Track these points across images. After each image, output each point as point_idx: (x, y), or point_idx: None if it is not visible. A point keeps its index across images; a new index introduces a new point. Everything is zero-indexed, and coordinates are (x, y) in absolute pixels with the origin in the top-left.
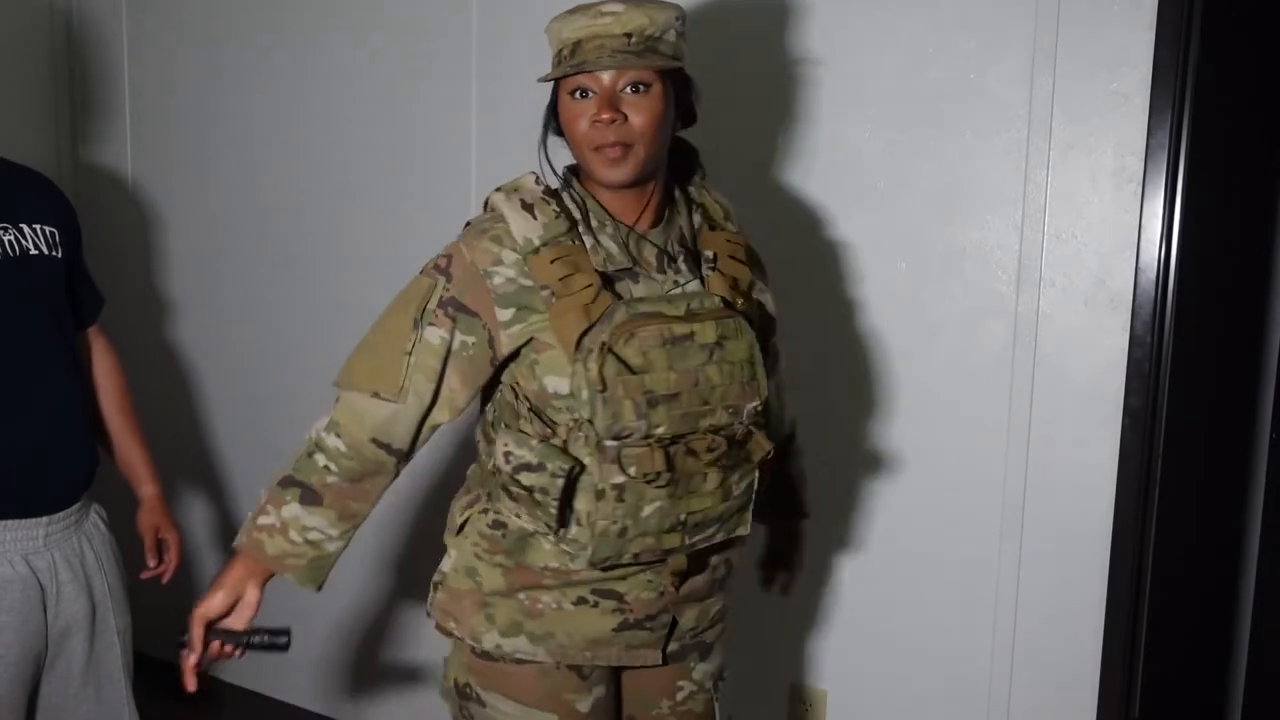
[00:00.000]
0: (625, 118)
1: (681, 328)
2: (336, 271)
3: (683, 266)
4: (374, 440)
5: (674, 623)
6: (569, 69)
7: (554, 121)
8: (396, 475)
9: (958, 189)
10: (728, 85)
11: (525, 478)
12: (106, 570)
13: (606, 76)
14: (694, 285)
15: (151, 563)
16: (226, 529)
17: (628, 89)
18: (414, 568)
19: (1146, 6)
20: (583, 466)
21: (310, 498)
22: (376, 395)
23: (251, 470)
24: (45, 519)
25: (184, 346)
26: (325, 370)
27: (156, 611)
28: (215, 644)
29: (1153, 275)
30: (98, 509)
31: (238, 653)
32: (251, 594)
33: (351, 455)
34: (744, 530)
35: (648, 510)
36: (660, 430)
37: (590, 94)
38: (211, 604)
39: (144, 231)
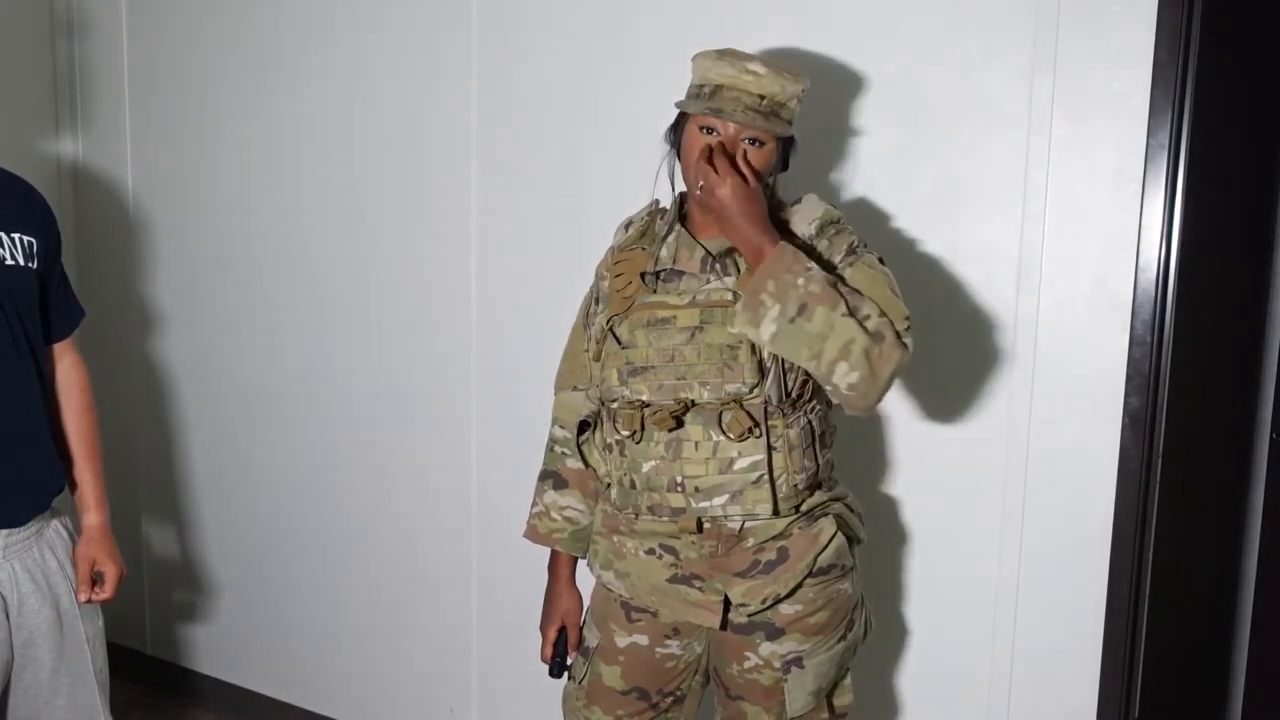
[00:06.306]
0: None
1: (665, 312)
2: (335, 277)
3: (718, 267)
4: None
5: (727, 598)
6: (706, 109)
7: (674, 136)
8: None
9: (958, 189)
10: None
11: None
12: (71, 578)
13: (734, 126)
14: (727, 281)
15: (81, 597)
16: (216, 538)
17: (746, 141)
18: (414, 568)
19: (1146, 6)
20: (594, 421)
21: (559, 483)
22: (574, 389)
23: (244, 474)
24: (4, 532)
25: (183, 352)
26: (323, 378)
27: (162, 613)
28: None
29: (1152, 275)
30: (61, 519)
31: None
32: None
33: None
34: (761, 509)
35: (646, 467)
36: (644, 396)
37: (715, 133)
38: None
39: (143, 235)
